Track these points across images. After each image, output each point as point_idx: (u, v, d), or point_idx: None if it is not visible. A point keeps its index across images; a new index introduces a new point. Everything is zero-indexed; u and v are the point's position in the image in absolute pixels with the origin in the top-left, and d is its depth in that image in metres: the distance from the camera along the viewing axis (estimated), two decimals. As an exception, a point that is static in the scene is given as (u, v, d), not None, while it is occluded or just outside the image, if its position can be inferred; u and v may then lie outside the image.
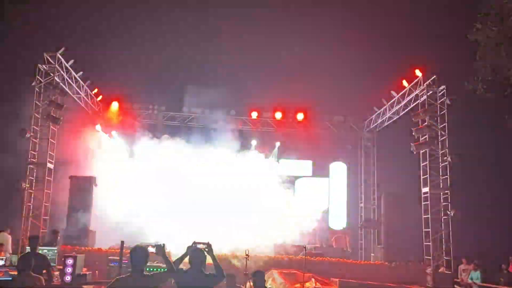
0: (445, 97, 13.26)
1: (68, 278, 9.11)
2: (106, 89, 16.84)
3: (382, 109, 16.93)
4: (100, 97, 17.06)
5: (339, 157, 18.83)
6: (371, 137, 18.62)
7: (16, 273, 6.30)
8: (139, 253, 4.56)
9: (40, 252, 7.86)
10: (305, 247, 11.68)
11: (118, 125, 17.02)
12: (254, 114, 18.12)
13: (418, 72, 13.96)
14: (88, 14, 16.35)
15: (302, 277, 11.42)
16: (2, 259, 9.76)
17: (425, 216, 13.41)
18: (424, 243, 13.35)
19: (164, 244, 4.95)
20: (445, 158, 13.10)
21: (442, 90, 13.38)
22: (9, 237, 12.02)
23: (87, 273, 10.36)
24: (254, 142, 17.71)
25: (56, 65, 13.53)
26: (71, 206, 13.79)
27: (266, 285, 6.13)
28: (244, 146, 17.09)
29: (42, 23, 15.63)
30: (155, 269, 9.48)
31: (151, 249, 5.05)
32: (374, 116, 17.71)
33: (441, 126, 13.40)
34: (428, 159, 13.43)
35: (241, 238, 13.42)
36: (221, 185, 15.36)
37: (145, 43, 17.41)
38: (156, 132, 16.79)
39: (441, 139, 13.36)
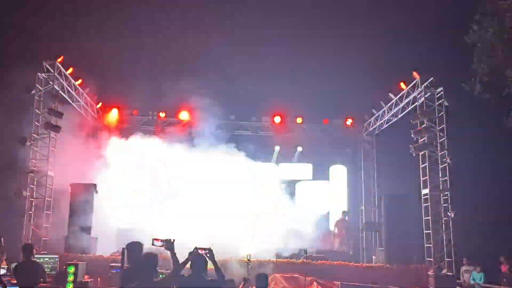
0: (443, 99, 13.30)
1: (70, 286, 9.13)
2: (106, 96, 16.92)
3: (380, 112, 16.98)
4: (100, 105, 17.16)
5: (339, 160, 18.84)
6: (371, 139, 18.66)
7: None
8: (150, 259, 4.61)
9: (35, 260, 7.83)
10: (305, 251, 11.69)
11: (118, 131, 17.04)
12: (253, 118, 18.21)
13: (415, 74, 14.01)
14: (87, 21, 16.43)
15: (303, 281, 11.43)
16: (4, 268, 9.78)
17: (425, 218, 13.43)
18: (426, 245, 13.35)
19: (174, 240, 4.97)
20: (444, 159, 13.13)
21: (440, 92, 13.43)
22: None
23: (89, 280, 10.39)
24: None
25: (55, 74, 13.61)
26: (72, 213, 13.79)
27: (267, 290, 6.14)
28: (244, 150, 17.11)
29: (41, 31, 15.69)
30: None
31: (159, 243, 5.03)
32: (372, 118, 17.76)
33: (440, 127, 13.44)
34: (427, 161, 13.47)
35: (242, 243, 13.42)
36: (221, 190, 15.36)
37: (145, 48, 17.45)
38: (155, 138, 16.78)
39: (440, 140, 13.40)
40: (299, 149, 18.28)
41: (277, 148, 18.16)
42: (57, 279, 6.18)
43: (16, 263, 7.71)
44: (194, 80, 15.03)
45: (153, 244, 5.10)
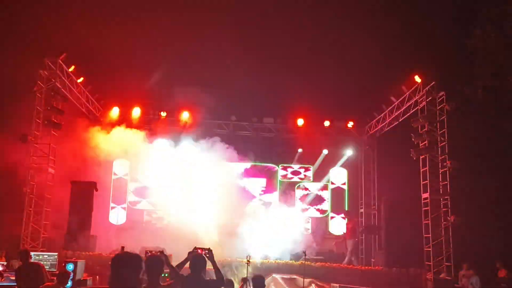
0: (444, 103, 13.29)
1: (68, 283, 9.11)
2: (107, 94, 16.93)
3: (382, 115, 16.97)
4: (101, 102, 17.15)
5: (339, 162, 18.80)
6: (371, 142, 18.64)
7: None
8: (155, 263, 4.59)
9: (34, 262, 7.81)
10: (304, 252, 11.69)
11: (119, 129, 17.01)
12: (255, 120, 18.20)
13: (417, 78, 14.00)
14: (90, 19, 16.42)
15: (302, 282, 11.43)
16: (2, 264, 9.78)
17: (425, 222, 13.41)
18: (425, 249, 13.35)
19: (163, 249, 4.99)
20: (445, 163, 13.12)
21: (441, 96, 13.41)
22: None
23: (88, 278, 10.39)
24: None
25: (57, 71, 13.62)
26: (72, 211, 13.80)
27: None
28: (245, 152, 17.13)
29: (43, 28, 15.69)
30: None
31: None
32: (374, 121, 17.75)
33: (441, 131, 13.43)
34: (428, 165, 13.45)
35: (242, 243, 13.42)
36: (222, 190, 15.38)
37: (146, 47, 17.46)
38: (156, 137, 16.78)
39: (441, 144, 13.39)
40: (300, 150, 18.22)
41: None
42: (60, 278, 6.17)
43: (17, 266, 7.70)
44: (195, 79, 15.11)
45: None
